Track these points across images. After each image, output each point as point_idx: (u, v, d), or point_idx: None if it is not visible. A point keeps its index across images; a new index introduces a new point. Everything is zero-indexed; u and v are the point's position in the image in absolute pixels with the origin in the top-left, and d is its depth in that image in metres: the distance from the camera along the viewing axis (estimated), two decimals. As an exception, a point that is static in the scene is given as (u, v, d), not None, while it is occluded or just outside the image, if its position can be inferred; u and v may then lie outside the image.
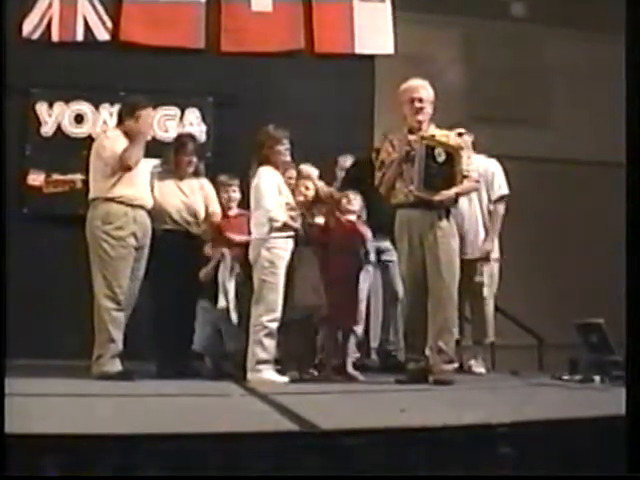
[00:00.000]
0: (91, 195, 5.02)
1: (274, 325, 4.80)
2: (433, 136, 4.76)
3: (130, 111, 5.10)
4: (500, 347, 6.12)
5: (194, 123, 6.94)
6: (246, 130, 5.57)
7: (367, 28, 7.26)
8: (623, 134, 3.10)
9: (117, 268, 4.87)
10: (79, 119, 6.78)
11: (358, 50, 7.26)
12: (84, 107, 6.79)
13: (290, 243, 4.91)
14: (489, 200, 5.80)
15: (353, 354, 5.22)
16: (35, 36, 6.78)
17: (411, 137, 4.72)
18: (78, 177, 6.40)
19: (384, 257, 5.67)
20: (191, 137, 5.62)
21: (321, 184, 5.40)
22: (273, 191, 4.91)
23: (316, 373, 5.09)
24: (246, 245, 4.96)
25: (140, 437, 2.39)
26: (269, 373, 4.77)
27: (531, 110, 7.99)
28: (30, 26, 6.76)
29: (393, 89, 5.08)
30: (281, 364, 4.95)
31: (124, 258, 4.89)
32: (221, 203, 5.37)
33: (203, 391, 4.26)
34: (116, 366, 4.79)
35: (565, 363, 4.96)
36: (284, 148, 5.03)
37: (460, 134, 4.97)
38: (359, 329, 5.26)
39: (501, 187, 5.84)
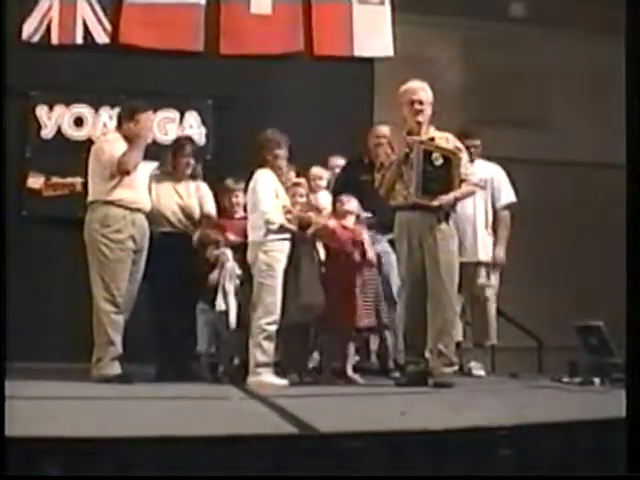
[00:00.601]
0: (89, 198, 5.02)
1: (273, 328, 4.80)
2: (432, 139, 4.77)
3: (130, 114, 5.10)
4: (500, 349, 6.11)
5: (194, 126, 6.94)
6: (246, 132, 5.58)
7: (366, 31, 7.27)
8: (623, 135, 3.10)
9: (115, 271, 4.87)
10: (79, 122, 6.78)
11: (357, 53, 7.26)
12: (84, 110, 6.79)
13: (287, 246, 4.91)
14: (494, 206, 5.82)
15: (353, 357, 5.21)
16: (35, 39, 6.77)
17: (409, 139, 4.72)
18: (78, 180, 6.39)
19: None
20: (189, 140, 5.62)
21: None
22: (270, 194, 4.92)
23: (316, 376, 5.08)
24: (245, 247, 4.97)
25: (139, 440, 2.39)
26: (269, 376, 4.77)
27: (531, 112, 7.98)
28: (30, 29, 6.76)
29: (392, 91, 5.08)
30: (281, 367, 4.94)
31: (122, 261, 4.89)
32: (226, 206, 5.36)
33: (202, 394, 4.25)
34: (115, 369, 4.78)
35: (565, 365, 4.96)
36: (283, 152, 5.04)
37: (465, 136, 4.95)
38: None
39: (509, 195, 5.87)
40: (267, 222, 4.84)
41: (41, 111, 6.73)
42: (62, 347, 5.66)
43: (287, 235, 4.91)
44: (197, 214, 5.26)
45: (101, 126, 6.75)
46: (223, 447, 2.39)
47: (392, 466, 2.44)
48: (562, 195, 7.95)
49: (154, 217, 5.11)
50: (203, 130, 6.93)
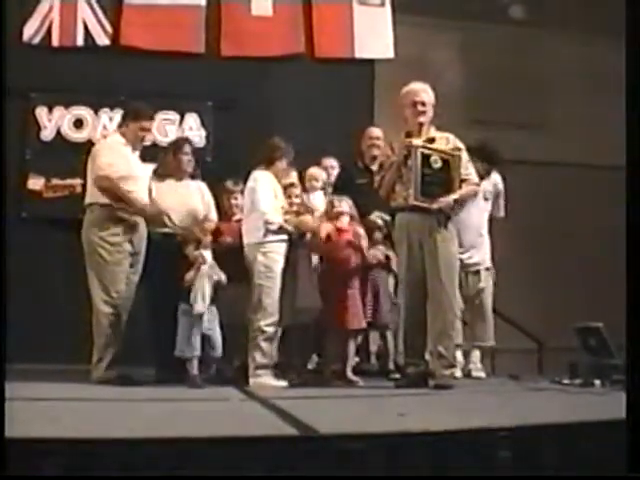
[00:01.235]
0: (87, 200, 5.03)
1: (272, 329, 4.81)
2: (433, 139, 4.76)
3: (133, 117, 5.13)
4: (500, 351, 6.11)
5: (194, 127, 6.93)
6: (246, 134, 5.58)
7: (367, 32, 7.27)
8: (623, 137, 3.10)
9: (114, 273, 4.88)
10: (79, 124, 6.77)
11: (358, 54, 7.26)
12: (84, 112, 6.79)
13: (285, 247, 4.92)
14: (491, 215, 5.86)
15: (352, 358, 5.20)
16: (35, 41, 6.77)
17: (407, 142, 4.72)
18: (78, 182, 6.38)
19: None
20: (187, 140, 5.62)
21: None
22: (269, 194, 4.93)
23: (316, 377, 5.08)
24: (242, 249, 4.97)
25: (139, 441, 2.39)
26: (268, 377, 4.77)
27: (530, 114, 7.99)
28: (30, 31, 6.76)
29: (393, 92, 5.08)
30: (281, 368, 4.94)
31: (120, 263, 4.90)
32: (225, 208, 5.36)
33: (202, 396, 4.25)
34: (115, 370, 4.78)
35: (565, 367, 4.96)
36: (287, 162, 5.10)
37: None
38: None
39: (500, 210, 5.93)
40: (266, 222, 4.85)
41: (41, 113, 6.72)
42: (62, 348, 5.65)
43: (285, 236, 4.92)
44: (200, 214, 5.25)
45: (101, 128, 6.75)
46: (223, 448, 2.39)
47: (392, 467, 2.44)
48: (562, 196, 7.96)
49: (154, 218, 5.10)
50: (203, 132, 6.93)
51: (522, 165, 7.36)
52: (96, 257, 4.88)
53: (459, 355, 5.42)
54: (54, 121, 6.74)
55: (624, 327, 2.91)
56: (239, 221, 5.22)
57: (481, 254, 5.75)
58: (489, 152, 5.10)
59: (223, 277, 4.80)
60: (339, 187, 5.58)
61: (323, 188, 5.54)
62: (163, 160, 5.35)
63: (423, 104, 4.80)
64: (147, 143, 5.43)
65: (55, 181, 6.67)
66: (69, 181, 6.59)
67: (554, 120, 8.10)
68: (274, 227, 4.86)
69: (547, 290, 7.51)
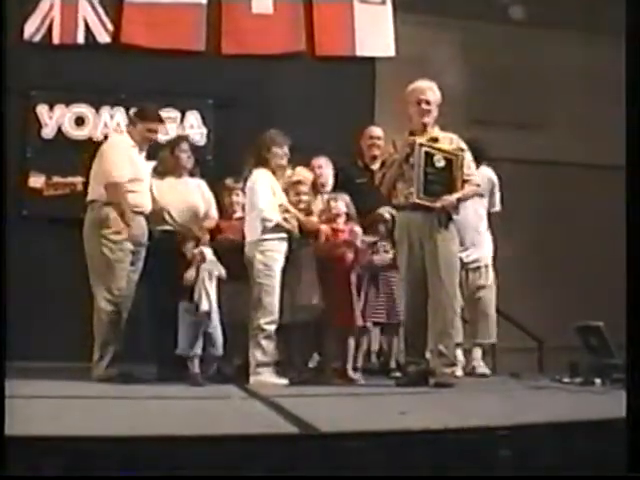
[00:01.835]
0: (90, 197, 5.03)
1: (272, 327, 4.82)
2: (436, 139, 4.76)
3: (142, 118, 5.14)
4: (501, 350, 6.11)
5: (194, 125, 6.92)
6: (247, 132, 5.57)
7: (368, 30, 7.26)
8: (623, 137, 3.09)
9: (115, 271, 4.88)
10: (80, 122, 6.76)
11: (359, 52, 7.25)
12: (85, 110, 6.77)
13: (284, 245, 4.92)
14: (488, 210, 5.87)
15: (352, 357, 5.21)
16: (36, 38, 6.76)
17: (410, 140, 4.72)
18: (79, 180, 6.38)
19: None
20: (185, 138, 5.62)
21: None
22: (267, 192, 4.94)
23: (316, 375, 5.08)
24: (242, 248, 4.97)
25: (140, 439, 2.39)
26: (269, 375, 4.78)
27: (530, 113, 7.98)
28: (31, 28, 6.75)
29: (394, 91, 5.08)
30: (282, 366, 4.94)
31: (122, 261, 4.91)
32: (225, 206, 5.36)
33: (203, 394, 4.26)
34: (116, 368, 4.79)
35: (565, 366, 4.96)
36: (283, 152, 5.07)
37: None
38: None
39: (495, 204, 5.93)
40: (263, 220, 4.86)
41: (42, 110, 6.71)
42: (62, 346, 5.65)
43: (284, 234, 4.92)
44: (200, 212, 5.25)
45: (102, 126, 6.75)
46: (224, 447, 2.39)
47: (392, 466, 2.44)
48: (562, 195, 7.96)
49: (155, 216, 5.11)
50: (204, 130, 6.92)
51: (522, 164, 7.36)
52: (97, 255, 4.89)
53: (460, 353, 5.43)
54: (55, 119, 6.73)
55: (624, 326, 2.91)
56: (239, 219, 5.23)
57: (480, 251, 5.77)
58: (475, 147, 5.10)
59: (223, 272, 4.80)
60: (338, 186, 5.58)
61: (314, 187, 5.50)
62: (162, 158, 5.36)
63: (428, 103, 4.80)
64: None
65: (56, 179, 6.66)
66: (70, 179, 6.58)
67: (554, 120, 8.09)
68: (271, 224, 4.87)
69: (547, 289, 7.51)
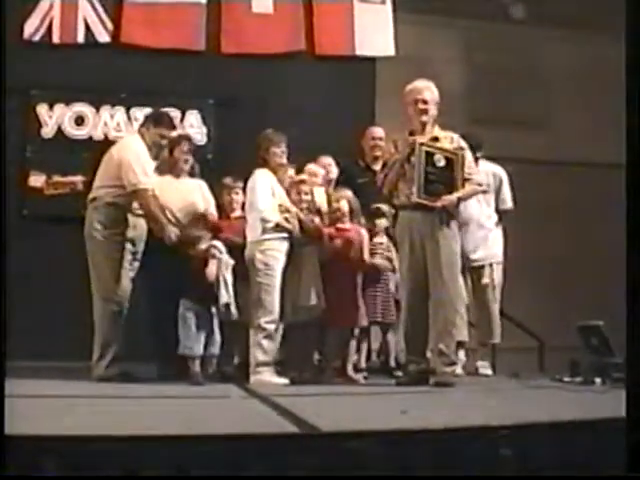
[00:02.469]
0: (93, 194, 5.02)
1: (272, 327, 4.82)
2: (436, 138, 4.76)
3: (156, 122, 5.13)
4: (501, 349, 6.11)
5: (195, 125, 6.93)
6: (247, 132, 5.58)
7: (367, 30, 7.27)
8: (623, 135, 3.09)
9: (115, 270, 4.88)
10: (79, 121, 6.77)
11: (359, 52, 7.26)
12: (85, 109, 6.79)
13: (285, 245, 4.92)
14: (497, 208, 5.84)
15: (354, 356, 5.21)
16: (36, 38, 6.77)
17: (411, 139, 4.72)
18: (79, 179, 6.40)
19: None
20: (184, 137, 5.63)
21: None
22: (266, 193, 4.94)
23: (317, 375, 5.08)
24: (243, 247, 4.97)
25: (140, 439, 2.39)
26: (270, 375, 4.78)
27: (531, 112, 7.98)
28: (31, 28, 6.76)
29: (394, 90, 5.08)
30: (282, 366, 4.94)
31: (122, 260, 4.90)
32: (225, 205, 5.36)
33: (203, 393, 4.26)
34: (116, 368, 4.79)
35: (565, 365, 4.96)
36: (280, 151, 5.07)
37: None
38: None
39: (506, 201, 5.87)
40: (263, 220, 4.86)
41: (42, 110, 6.72)
42: (62, 346, 5.66)
43: (284, 234, 4.92)
44: (199, 211, 5.25)
45: (102, 125, 6.75)
46: (224, 446, 2.39)
47: (393, 465, 2.44)
48: (563, 195, 7.96)
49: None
50: (204, 129, 6.93)
51: (522, 164, 7.34)
52: (98, 254, 4.89)
53: (461, 353, 5.43)
54: (55, 118, 6.74)
55: (624, 326, 2.91)
56: (239, 218, 5.23)
57: (485, 250, 5.74)
58: (471, 143, 5.10)
59: (231, 260, 4.81)
60: (340, 186, 5.58)
61: (322, 185, 5.54)
62: (161, 157, 5.36)
63: (425, 102, 4.79)
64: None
65: (56, 178, 6.67)
66: (70, 178, 6.59)
67: (555, 119, 8.09)
68: (271, 225, 4.87)
69: (548, 288, 7.51)
